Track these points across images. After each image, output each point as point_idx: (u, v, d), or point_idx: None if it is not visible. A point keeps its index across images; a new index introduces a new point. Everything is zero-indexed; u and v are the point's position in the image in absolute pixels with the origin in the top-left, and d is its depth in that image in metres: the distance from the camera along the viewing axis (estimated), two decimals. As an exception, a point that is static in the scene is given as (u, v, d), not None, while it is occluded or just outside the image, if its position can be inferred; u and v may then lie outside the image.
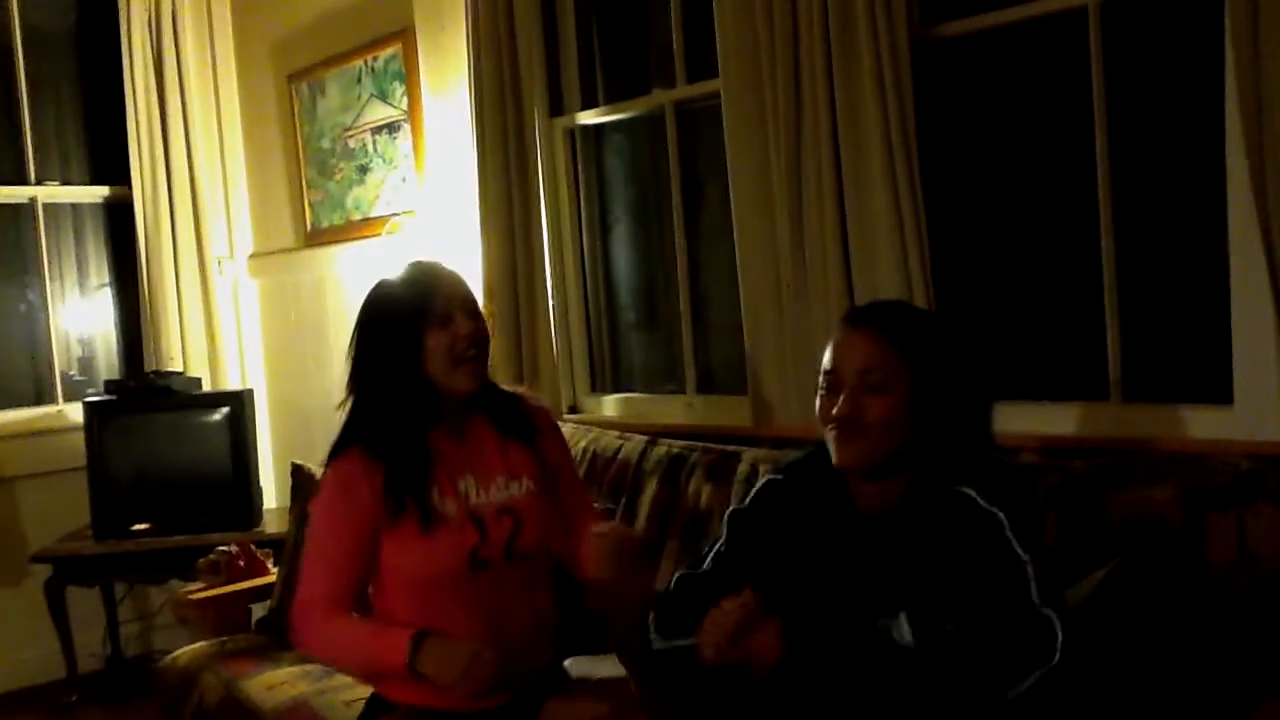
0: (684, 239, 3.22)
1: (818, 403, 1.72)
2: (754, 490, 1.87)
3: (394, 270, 2.02)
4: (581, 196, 3.54)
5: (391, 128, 3.93)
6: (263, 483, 4.10)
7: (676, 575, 1.91)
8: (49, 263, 4.51)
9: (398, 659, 1.85)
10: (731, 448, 2.67)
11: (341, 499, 1.95)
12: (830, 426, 1.69)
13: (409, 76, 3.81)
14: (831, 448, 1.71)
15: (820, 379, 1.72)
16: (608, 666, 2.10)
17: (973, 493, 1.61)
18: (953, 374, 1.71)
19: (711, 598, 1.67)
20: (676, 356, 3.28)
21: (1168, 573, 1.79)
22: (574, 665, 2.14)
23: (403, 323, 1.93)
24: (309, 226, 4.37)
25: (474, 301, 2.00)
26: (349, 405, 2.00)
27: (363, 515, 1.93)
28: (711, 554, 1.89)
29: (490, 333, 2.03)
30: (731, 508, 1.89)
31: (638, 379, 3.54)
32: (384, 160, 3.98)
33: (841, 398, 1.67)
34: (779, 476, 1.85)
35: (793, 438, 2.66)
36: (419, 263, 2.04)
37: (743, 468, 2.58)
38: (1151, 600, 1.72)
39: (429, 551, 1.93)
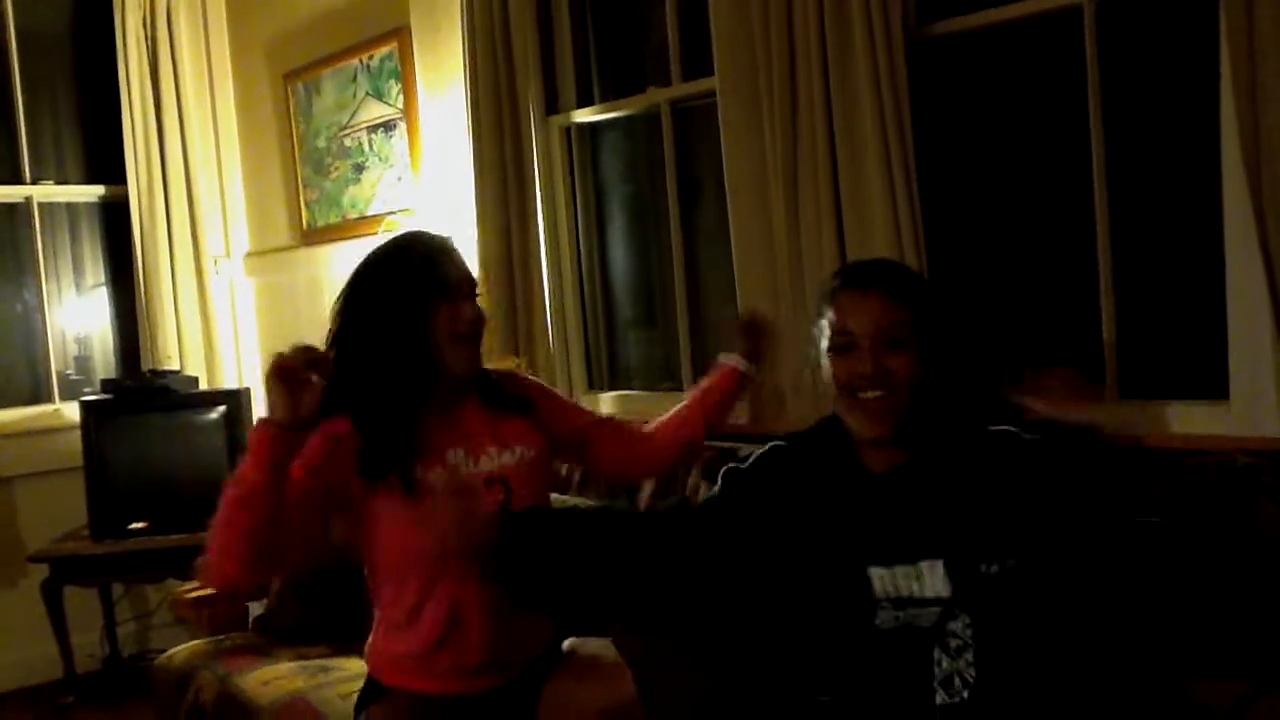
0: (680, 236, 3.22)
1: (831, 367, 1.69)
2: (756, 454, 1.83)
3: (400, 233, 1.99)
4: (578, 194, 3.54)
5: (387, 126, 3.93)
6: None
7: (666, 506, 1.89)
8: (45, 262, 4.51)
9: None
10: (729, 445, 2.67)
11: (317, 443, 1.83)
12: (854, 389, 1.67)
13: (404, 75, 3.81)
14: (855, 413, 1.68)
15: (827, 342, 1.69)
16: (608, 647, 2.09)
17: (1013, 429, 1.65)
18: (950, 330, 1.73)
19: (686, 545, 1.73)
20: (673, 354, 3.28)
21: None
22: (575, 645, 2.14)
23: (414, 290, 1.88)
24: (305, 225, 4.37)
25: (473, 281, 1.98)
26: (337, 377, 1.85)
27: (330, 466, 1.84)
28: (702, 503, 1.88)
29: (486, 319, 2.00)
30: (728, 465, 1.85)
31: (635, 376, 3.54)
32: (380, 159, 3.98)
33: (863, 357, 1.65)
34: (783, 443, 1.82)
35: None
36: (426, 233, 2.00)
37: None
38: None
39: (419, 523, 1.90)
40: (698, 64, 3.06)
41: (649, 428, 2.23)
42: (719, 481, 1.85)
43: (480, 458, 1.98)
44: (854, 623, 1.65)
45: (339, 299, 1.96)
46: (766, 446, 1.84)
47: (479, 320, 1.95)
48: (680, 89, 3.16)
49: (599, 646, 2.10)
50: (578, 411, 2.22)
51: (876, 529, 1.66)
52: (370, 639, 2.08)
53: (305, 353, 1.71)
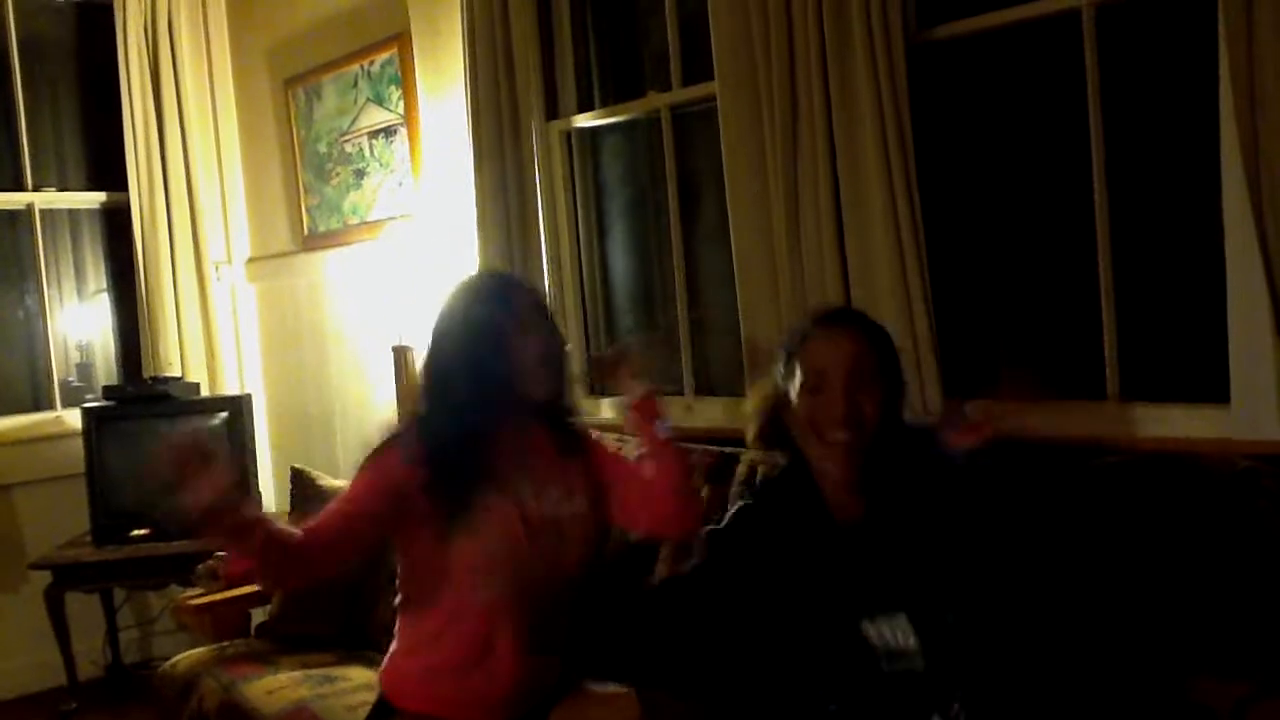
0: (681, 241, 3.22)
1: (803, 405, 1.70)
2: (729, 515, 1.84)
3: (473, 276, 2.07)
4: (578, 199, 3.54)
5: (388, 132, 3.93)
6: (261, 487, 4.10)
7: (661, 580, 1.90)
8: (46, 269, 4.51)
9: None
10: (730, 450, 2.67)
11: (375, 469, 1.94)
12: (823, 429, 1.68)
13: (405, 81, 3.82)
14: (824, 454, 1.70)
15: (799, 380, 1.71)
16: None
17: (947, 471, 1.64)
18: (900, 380, 1.75)
19: (686, 615, 1.71)
20: (674, 358, 3.29)
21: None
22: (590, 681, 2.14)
23: (492, 331, 1.95)
24: (306, 231, 4.38)
25: (548, 312, 2.05)
26: (422, 406, 2.01)
27: (390, 489, 1.92)
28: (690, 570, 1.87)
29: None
30: (708, 527, 1.86)
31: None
32: (380, 164, 3.98)
33: (835, 397, 1.66)
34: (751, 502, 1.84)
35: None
36: (497, 273, 2.12)
37: (741, 469, 2.58)
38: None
39: (474, 556, 1.93)
40: (698, 69, 3.06)
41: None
42: (703, 546, 1.85)
43: (543, 498, 2.01)
44: (860, 674, 1.65)
45: (429, 348, 2.03)
46: (736, 508, 1.84)
47: (554, 346, 2.00)
48: (680, 94, 3.17)
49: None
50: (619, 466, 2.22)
51: (855, 582, 1.67)
52: (387, 661, 2.09)
53: (181, 449, 1.75)
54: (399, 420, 2.04)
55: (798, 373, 1.71)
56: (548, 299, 3.34)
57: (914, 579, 1.64)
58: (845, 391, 1.66)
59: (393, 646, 2.08)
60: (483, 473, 1.95)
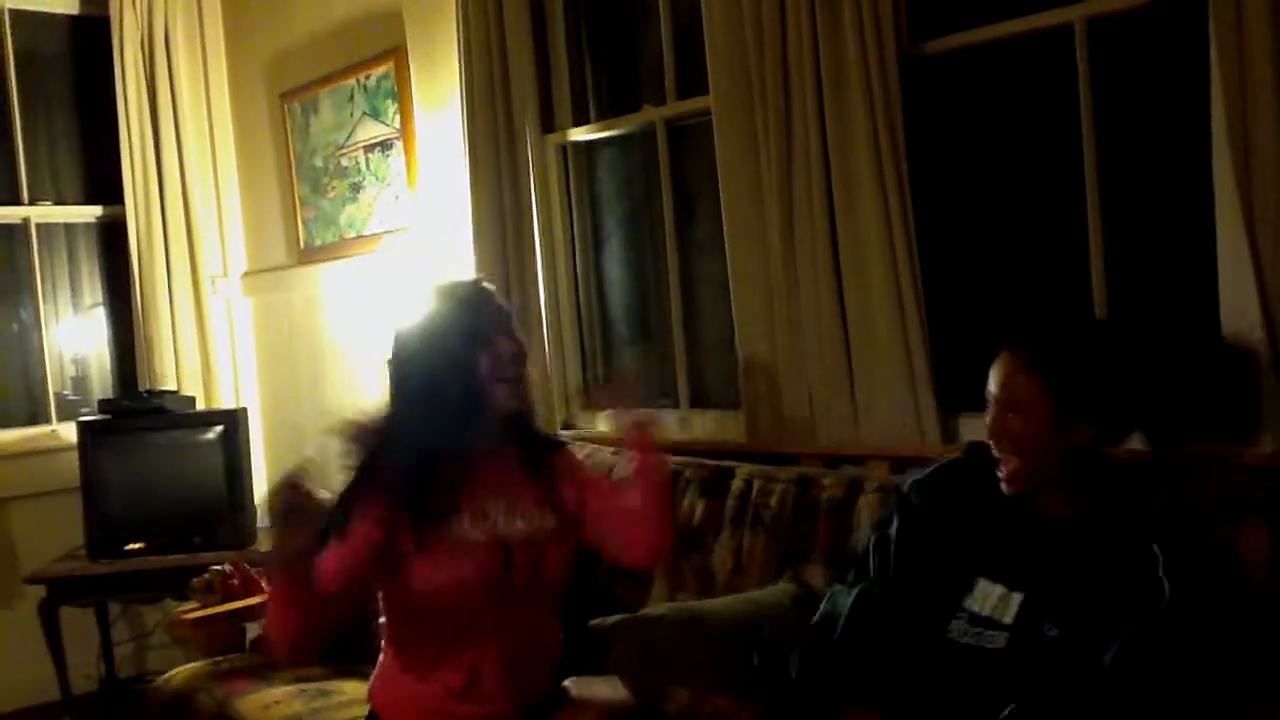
0: (676, 254, 3.22)
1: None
2: (935, 466, 1.96)
3: (437, 290, 2.03)
4: (574, 212, 3.55)
5: (384, 145, 3.94)
6: (256, 502, 4.09)
7: (855, 594, 1.90)
8: (42, 282, 4.51)
9: None
10: (726, 463, 2.67)
11: (374, 498, 1.92)
12: (991, 443, 1.82)
13: (401, 94, 3.82)
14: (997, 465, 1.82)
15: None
16: (607, 687, 2.10)
17: (1160, 556, 1.67)
18: (1105, 399, 1.78)
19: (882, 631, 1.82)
20: (670, 371, 3.29)
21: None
22: (574, 685, 2.15)
23: (454, 343, 1.93)
24: (302, 244, 4.38)
25: (513, 322, 2.02)
26: (388, 421, 1.97)
27: (387, 515, 1.91)
28: (875, 542, 1.94)
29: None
30: (912, 478, 1.97)
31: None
32: (377, 178, 3.99)
33: (992, 416, 1.80)
34: (961, 456, 1.94)
35: (787, 453, 2.67)
36: (465, 283, 2.06)
37: (736, 483, 2.58)
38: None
39: (451, 575, 1.92)
40: (693, 83, 3.07)
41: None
42: (904, 495, 1.95)
43: (516, 517, 2.00)
44: (933, 623, 1.77)
45: (389, 359, 2.01)
46: (946, 460, 1.96)
47: (518, 356, 1.98)
48: (675, 107, 3.17)
49: (598, 686, 2.11)
50: (605, 485, 2.26)
51: (1002, 547, 1.78)
52: (377, 677, 2.09)
53: (285, 491, 1.77)
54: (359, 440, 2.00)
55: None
56: (542, 312, 3.35)
57: (1055, 577, 1.72)
58: (997, 413, 1.79)
59: (380, 664, 2.08)
60: (453, 499, 1.94)
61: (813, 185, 2.55)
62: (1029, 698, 1.63)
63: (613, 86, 3.52)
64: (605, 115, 3.47)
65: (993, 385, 1.81)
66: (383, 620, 2.06)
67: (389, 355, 2.01)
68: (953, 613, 1.78)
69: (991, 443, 1.82)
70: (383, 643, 2.08)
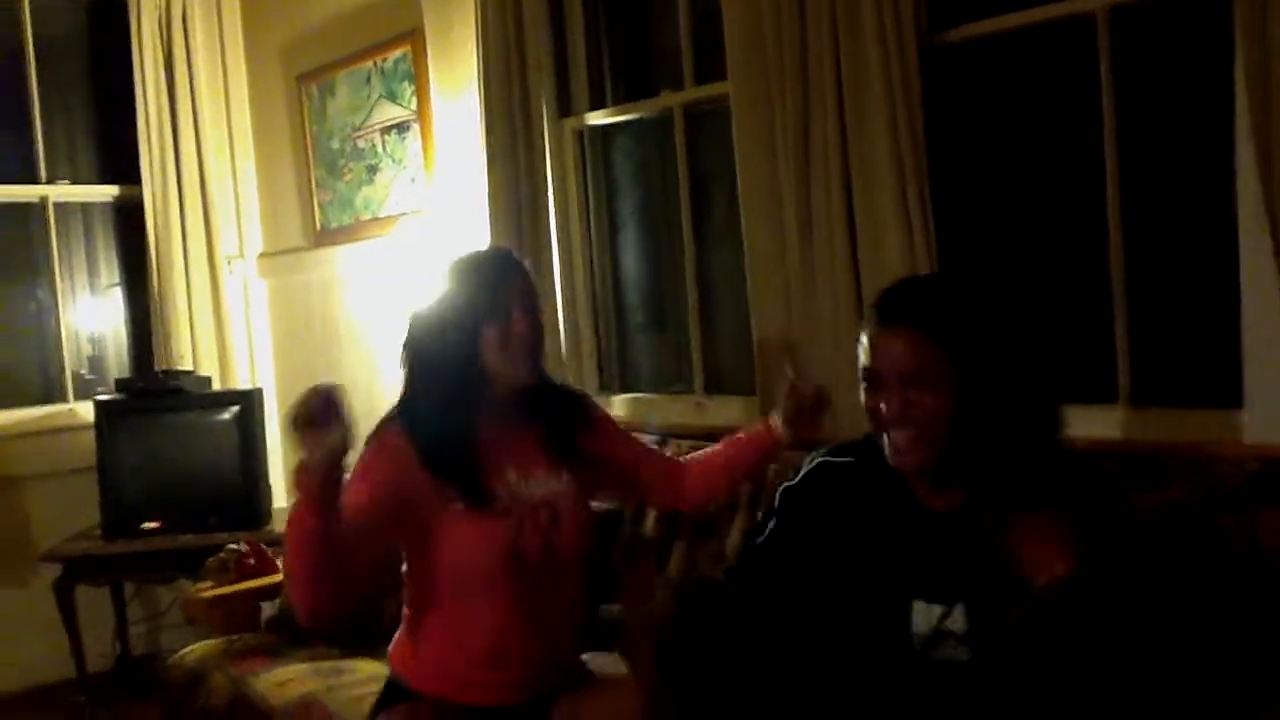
0: (692, 239, 3.22)
1: (862, 399, 1.64)
2: (806, 468, 1.79)
3: (462, 254, 2.03)
4: (590, 197, 3.55)
5: (401, 128, 3.94)
6: (272, 482, 4.11)
7: (742, 547, 1.87)
8: (59, 262, 4.53)
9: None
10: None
11: (378, 457, 1.93)
12: (881, 424, 1.62)
13: (418, 77, 3.82)
14: (886, 449, 1.64)
15: (860, 373, 1.64)
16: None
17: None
18: (1003, 363, 1.59)
19: (765, 586, 1.73)
20: (685, 356, 3.29)
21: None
22: (593, 660, 2.15)
23: (461, 313, 1.93)
24: (318, 226, 4.39)
25: (533, 294, 2.00)
26: (403, 389, 2.00)
27: (398, 478, 1.91)
28: (766, 532, 1.83)
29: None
30: (783, 484, 1.81)
31: (646, 379, 3.55)
32: (393, 160, 3.99)
33: (889, 396, 1.59)
34: (832, 458, 1.78)
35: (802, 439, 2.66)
36: (483, 252, 2.07)
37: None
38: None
39: (471, 539, 1.93)
40: (711, 68, 3.06)
41: (689, 461, 2.28)
42: (776, 503, 1.83)
43: (531, 480, 2.00)
44: (893, 653, 1.63)
45: (410, 316, 2.01)
46: (816, 460, 1.80)
47: (532, 330, 1.96)
48: (693, 93, 3.17)
49: (616, 662, 2.12)
50: (630, 442, 2.26)
51: (924, 563, 1.63)
52: (398, 641, 2.10)
53: (315, 396, 1.77)
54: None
55: (860, 360, 1.64)
56: (556, 296, 3.36)
57: (983, 570, 1.58)
58: (897, 391, 1.58)
59: (401, 630, 2.09)
60: (473, 467, 1.94)
61: (830, 172, 2.54)
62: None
63: (630, 71, 3.51)
64: (623, 100, 3.47)
65: (880, 364, 1.60)
66: (405, 590, 2.06)
67: (405, 333, 2.02)
68: (908, 641, 1.64)
69: (883, 424, 1.61)
70: (404, 609, 2.08)
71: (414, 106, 3.86)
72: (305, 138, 4.39)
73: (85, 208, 4.68)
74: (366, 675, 2.63)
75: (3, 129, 4.49)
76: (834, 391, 2.57)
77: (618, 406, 3.43)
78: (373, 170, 4.09)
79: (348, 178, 4.21)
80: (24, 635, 4.13)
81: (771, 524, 1.82)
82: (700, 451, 2.30)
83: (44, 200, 4.49)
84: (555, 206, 3.39)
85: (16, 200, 4.48)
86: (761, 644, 1.73)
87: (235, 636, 2.98)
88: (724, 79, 2.85)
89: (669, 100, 3.26)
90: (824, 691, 1.69)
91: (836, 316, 2.58)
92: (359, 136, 4.12)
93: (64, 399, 4.50)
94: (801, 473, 1.81)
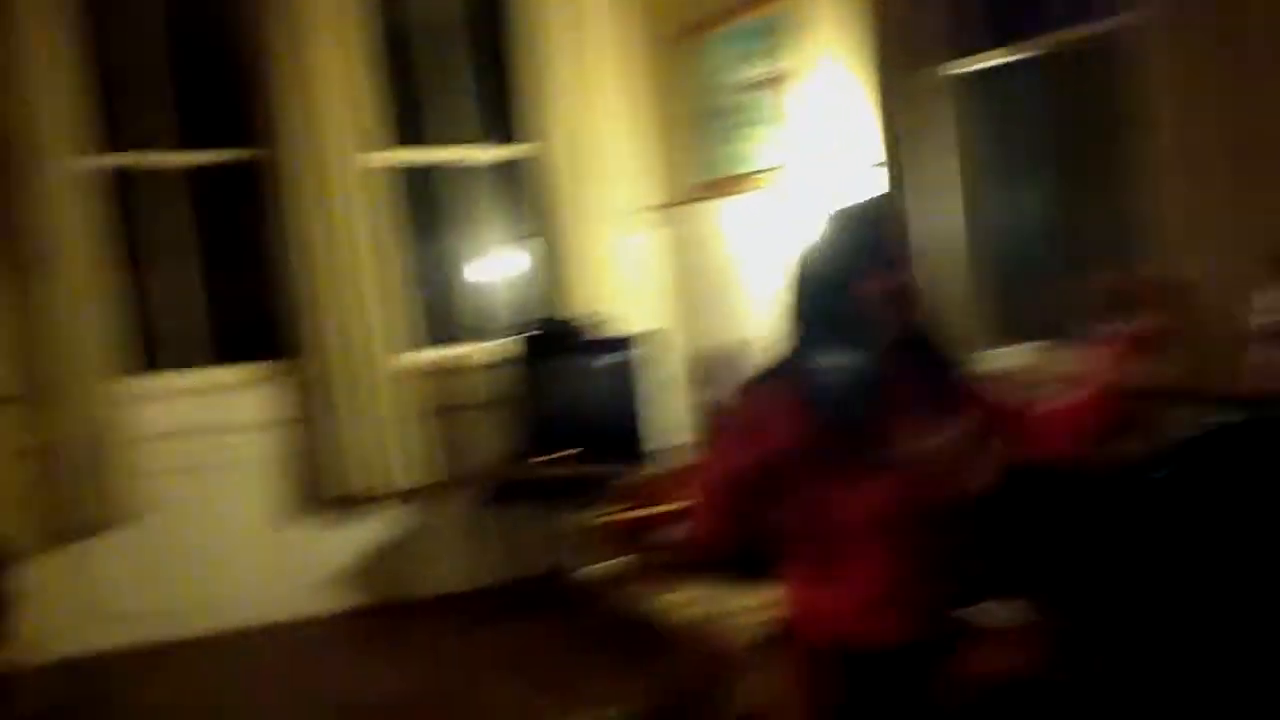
0: (1081, 181, 3.07)
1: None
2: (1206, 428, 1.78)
3: (846, 205, 2.06)
4: (969, 143, 3.45)
5: (777, 82, 4.02)
6: (666, 417, 4.28)
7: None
8: (474, 219, 4.98)
9: None
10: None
11: (772, 410, 1.95)
12: None
13: (795, 33, 3.89)
14: None
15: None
16: (1013, 613, 2.08)
17: None
18: None
19: None
20: (1069, 306, 3.13)
21: None
22: (981, 612, 2.14)
23: (851, 264, 1.96)
24: (702, 179, 4.58)
25: (908, 246, 2.04)
26: (791, 343, 2.01)
27: (794, 429, 1.93)
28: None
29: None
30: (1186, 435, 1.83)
31: (1028, 330, 3.42)
32: (767, 116, 4.09)
33: None
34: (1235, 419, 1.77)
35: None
36: (866, 203, 2.09)
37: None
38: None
39: (870, 490, 1.96)
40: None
41: (1055, 409, 2.14)
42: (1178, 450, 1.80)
43: (922, 430, 2.00)
44: None
45: (795, 267, 2.04)
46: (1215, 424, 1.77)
47: (908, 283, 1.98)
48: (1083, 31, 3.01)
49: (1006, 615, 2.10)
50: (1003, 394, 2.20)
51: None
52: (789, 589, 2.13)
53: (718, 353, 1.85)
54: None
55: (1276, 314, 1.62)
56: (937, 241, 3.28)
57: None
58: None
59: (792, 576, 2.11)
60: (870, 418, 1.96)
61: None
62: None
63: (1013, 13, 3.37)
64: (1006, 42, 3.34)
65: None
66: (790, 539, 2.09)
67: (792, 286, 2.04)
68: None
69: None
70: (792, 556, 2.11)
71: (791, 61, 3.93)
72: (688, 94, 4.57)
73: (495, 167, 5.04)
74: (749, 607, 2.73)
75: (436, 96, 4.96)
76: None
77: (1003, 359, 3.33)
78: (747, 125, 4.21)
79: (728, 133, 4.35)
80: (446, 549, 4.60)
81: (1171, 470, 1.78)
82: (1059, 399, 2.14)
83: (459, 161, 4.94)
84: (937, 153, 3.33)
85: (450, 164, 4.95)
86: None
87: (635, 557, 3.18)
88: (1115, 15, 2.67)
89: (1058, 39, 3.12)
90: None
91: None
92: (738, 92, 4.25)
93: (480, 340, 4.87)
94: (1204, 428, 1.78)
